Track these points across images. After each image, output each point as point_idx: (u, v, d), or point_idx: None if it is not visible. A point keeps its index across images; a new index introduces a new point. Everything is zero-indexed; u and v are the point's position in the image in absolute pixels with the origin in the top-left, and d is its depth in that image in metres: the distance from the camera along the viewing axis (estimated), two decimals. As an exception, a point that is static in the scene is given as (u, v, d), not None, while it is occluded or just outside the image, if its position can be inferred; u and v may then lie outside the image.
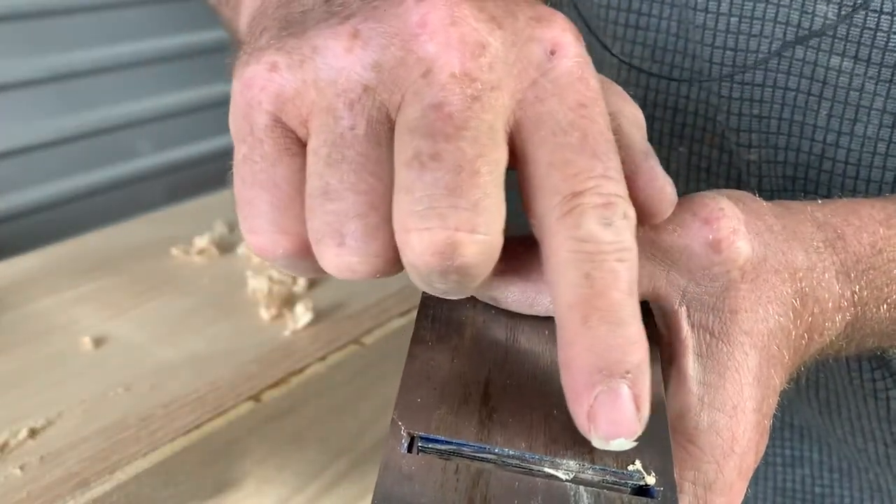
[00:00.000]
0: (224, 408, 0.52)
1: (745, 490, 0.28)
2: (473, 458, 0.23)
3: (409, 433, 0.23)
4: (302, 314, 0.60)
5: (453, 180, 0.21)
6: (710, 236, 0.26)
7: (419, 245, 0.21)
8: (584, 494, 0.23)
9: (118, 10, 1.83)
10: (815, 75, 0.40)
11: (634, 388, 0.22)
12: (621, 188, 0.23)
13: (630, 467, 0.23)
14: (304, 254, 0.24)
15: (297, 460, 0.51)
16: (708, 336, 0.27)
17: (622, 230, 0.22)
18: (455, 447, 0.23)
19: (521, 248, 0.27)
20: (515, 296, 0.27)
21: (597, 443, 0.22)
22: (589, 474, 0.23)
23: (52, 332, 0.60)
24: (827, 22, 0.38)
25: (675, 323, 0.28)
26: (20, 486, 0.45)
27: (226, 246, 0.72)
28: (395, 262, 0.23)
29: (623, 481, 0.23)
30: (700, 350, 0.27)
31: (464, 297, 0.26)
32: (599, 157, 0.23)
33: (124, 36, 1.84)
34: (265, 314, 0.61)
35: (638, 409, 0.22)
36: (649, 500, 0.23)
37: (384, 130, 0.23)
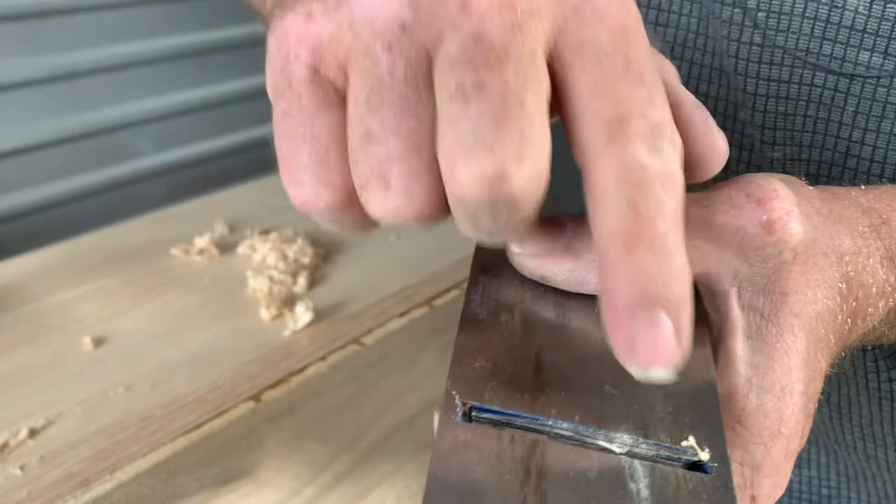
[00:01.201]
0: (224, 408, 0.52)
1: (790, 471, 0.28)
2: (527, 430, 0.23)
3: (463, 403, 0.23)
4: (302, 314, 0.60)
5: (499, 110, 0.21)
6: (764, 217, 0.26)
7: (468, 178, 0.21)
8: (639, 468, 0.23)
9: (118, 10, 1.83)
10: (843, 70, 0.39)
11: (677, 319, 0.21)
12: (667, 116, 0.22)
13: (684, 443, 0.23)
14: (346, 204, 0.24)
15: (297, 460, 0.51)
16: (758, 318, 0.27)
17: (670, 158, 0.22)
18: (509, 418, 0.23)
19: (571, 226, 0.27)
20: (565, 274, 0.27)
21: (635, 372, 0.22)
22: (643, 449, 0.23)
23: (52, 332, 0.60)
24: (857, 17, 0.38)
25: (725, 304, 0.27)
26: (20, 486, 0.45)
27: (226, 246, 0.72)
28: (441, 205, 0.23)
29: (676, 457, 0.23)
30: (749, 332, 0.27)
31: (508, 240, 0.25)
32: (644, 82, 0.22)
33: (124, 36, 1.84)
34: (265, 314, 0.61)
35: (679, 340, 0.21)
36: (703, 475, 0.23)
37: (423, 70, 0.22)
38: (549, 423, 0.23)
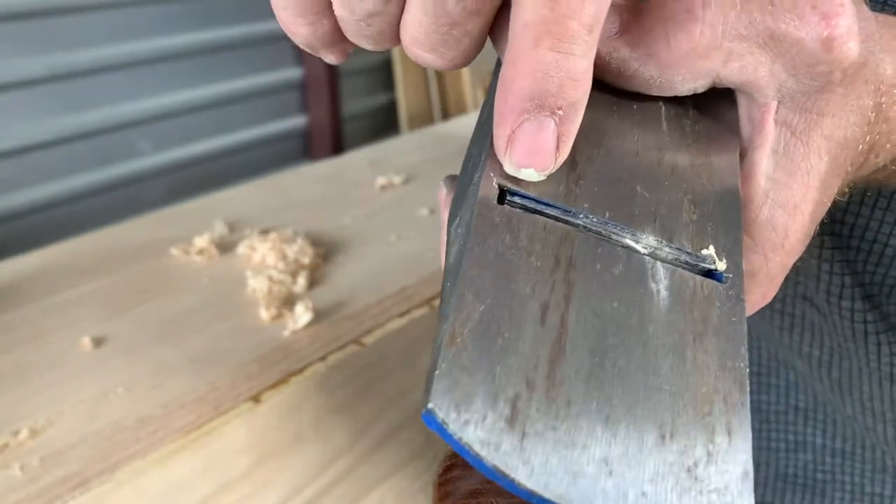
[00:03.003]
0: (224, 408, 0.52)
1: (779, 285, 0.28)
2: (557, 220, 0.24)
3: (499, 185, 0.24)
4: (302, 314, 0.60)
5: None
6: (825, 33, 0.25)
7: None
8: (661, 270, 0.24)
9: (119, 9, 1.83)
10: None
11: (561, 126, 0.22)
12: None
13: (704, 251, 0.24)
14: None
15: (297, 460, 0.51)
16: (788, 134, 0.27)
17: None
18: (541, 206, 0.24)
19: (626, 12, 0.27)
20: (616, 63, 0.27)
21: (508, 168, 0.23)
22: (665, 252, 0.24)
23: (52, 332, 0.60)
24: None
25: (761, 116, 0.27)
26: (20, 486, 0.45)
27: (226, 246, 0.72)
28: None
29: (695, 263, 0.24)
30: (777, 147, 0.27)
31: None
32: None
33: (124, 36, 1.85)
34: (265, 314, 0.61)
35: (558, 148, 0.23)
36: (718, 284, 0.24)
37: None
38: (581, 215, 0.24)
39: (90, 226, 0.88)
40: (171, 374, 0.55)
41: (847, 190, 0.31)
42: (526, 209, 0.24)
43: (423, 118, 2.42)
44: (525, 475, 0.18)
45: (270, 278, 0.65)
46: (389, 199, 0.84)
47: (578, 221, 0.24)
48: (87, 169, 1.86)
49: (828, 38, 0.25)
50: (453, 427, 0.19)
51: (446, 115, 2.43)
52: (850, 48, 0.26)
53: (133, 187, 1.95)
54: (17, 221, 1.74)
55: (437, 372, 0.19)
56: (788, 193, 0.27)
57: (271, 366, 0.56)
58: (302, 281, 0.66)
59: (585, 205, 0.24)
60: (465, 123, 1.25)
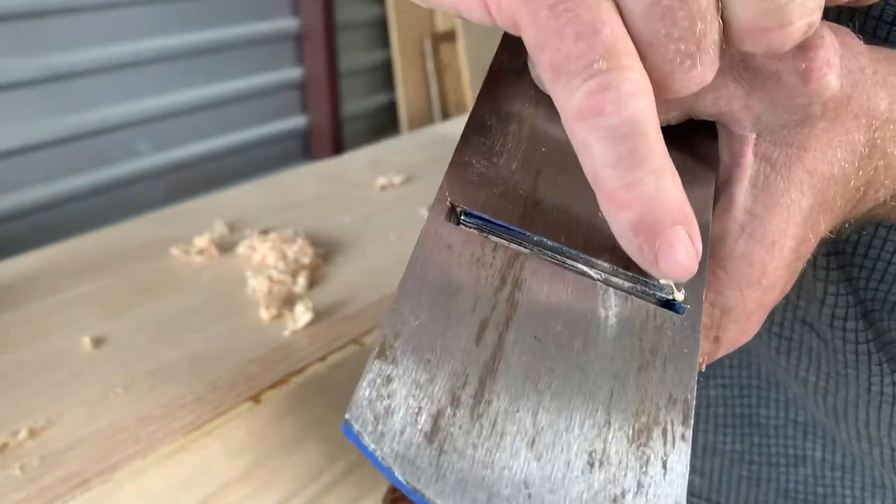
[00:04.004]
0: (224, 408, 0.52)
1: (761, 323, 0.28)
2: (511, 242, 0.24)
3: (453, 205, 0.24)
4: (302, 314, 0.60)
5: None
6: (803, 65, 0.25)
7: None
8: (613, 296, 0.23)
9: (119, 9, 1.83)
10: None
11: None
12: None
13: (662, 280, 0.24)
14: None
15: (296, 461, 0.51)
16: (768, 168, 0.26)
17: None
18: (496, 227, 0.24)
19: None
20: None
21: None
22: (621, 279, 0.24)
23: (52, 332, 0.60)
24: None
25: (740, 149, 0.27)
26: (20, 486, 0.45)
27: (226, 246, 0.72)
28: None
29: (652, 292, 0.24)
30: (756, 181, 0.27)
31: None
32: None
33: (124, 36, 1.85)
34: (265, 314, 0.61)
35: (693, 242, 0.23)
36: (674, 314, 0.23)
37: None
38: (535, 239, 0.24)
39: (90, 226, 0.88)
40: (171, 374, 0.55)
41: (847, 227, 0.31)
42: (480, 230, 0.23)
43: (423, 118, 2.42)
44: (436, 492, 0.18)
45: (270, 278, 0.65)
46: (389, 199, 0.84)
47: (532, 244, 0.24)
48: (87, 169, 1.86)
49: (806, 71, 0.25)
50: (368, 439, 0.19)
51: (446, 115, 2.43)
52: (830, 80, 0.25)
53: (133, 187, 1.95)
54: (17, 221, 1.74)
55: (360, 384, 0.19)
56: (767, 229, 0.26)
57: (271, 366, 0.56)
58: (302, 281, 0.66)
59: (541, 228, 0.24)
60: (465, 123, 1.25)
